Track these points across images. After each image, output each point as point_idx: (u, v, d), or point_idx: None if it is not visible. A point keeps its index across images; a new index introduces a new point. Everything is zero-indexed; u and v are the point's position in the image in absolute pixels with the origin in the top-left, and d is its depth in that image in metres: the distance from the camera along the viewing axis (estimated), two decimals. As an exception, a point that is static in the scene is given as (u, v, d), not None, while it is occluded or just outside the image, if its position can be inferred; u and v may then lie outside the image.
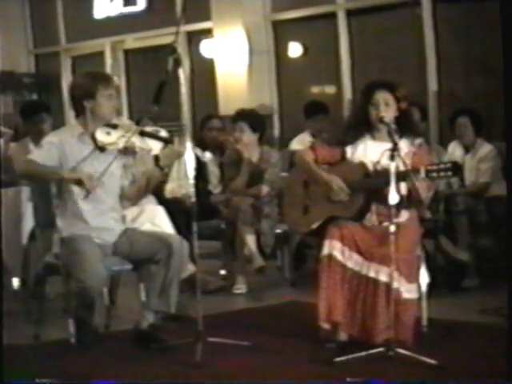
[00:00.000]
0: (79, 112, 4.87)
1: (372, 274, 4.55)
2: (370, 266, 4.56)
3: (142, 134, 4.86)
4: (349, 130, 4.90)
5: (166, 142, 4.86)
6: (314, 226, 4.81)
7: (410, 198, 4.66)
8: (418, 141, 4.81)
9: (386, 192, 4.43)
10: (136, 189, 5.01)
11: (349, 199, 4.73)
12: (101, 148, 4.77)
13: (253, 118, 6.62)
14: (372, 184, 4.71)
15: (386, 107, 4.71)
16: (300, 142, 7.38)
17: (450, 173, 4.46)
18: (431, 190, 4.83)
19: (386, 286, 4.48)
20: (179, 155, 4.75)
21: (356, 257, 4.60)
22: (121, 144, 4.79)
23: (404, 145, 4.67)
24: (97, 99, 4.78)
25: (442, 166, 4.49)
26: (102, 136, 4.74)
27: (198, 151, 4.81)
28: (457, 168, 4.50)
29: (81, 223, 4.80)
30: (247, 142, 6.51)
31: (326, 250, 4.62)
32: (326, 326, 4.61)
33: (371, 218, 4.72)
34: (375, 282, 4.53)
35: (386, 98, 4.72)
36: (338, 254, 4.59)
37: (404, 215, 4.67)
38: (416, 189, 4.60)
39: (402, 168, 4.47)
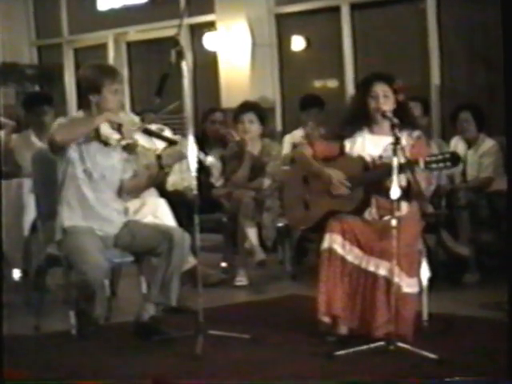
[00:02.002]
0: (84, 105, 4.87)
1: (372, 268, 4.55)
2: (370, 260, 4.56)
3: (146, 131, 4.86)
4: (347, 124, 4.89)
5: (170, 142, 4.87)
6: (315, 221, 4.82)
7: (410, 191, 4.66)
8: (416, 133, 4.81)
9: (386, 185, 4.42)
10: (137, 183, 5.01)
11: (349, 193, 4.72)
12: (104, 142, 4.78)
13: (260, 111, 6.65)
14: (371, 177, 4.70)
15: (385, 99, 4.70)
16: (293, 138, 7.39)
17: (449, 163, 4.45)
18: (430, 182, 4.82)
19: (386, 279, 4.48)
20: (182, 156, 4.76)
21: (356, 251, 4.60)
22: (124, 140, 4.80)
23: (402, 137, 4.65)
24: (102, 93, 4.76)
25: (441, 156, 4.48)
26: (106, 130, 4.75)
27: (201, 155, 4.81)
28: (456, 158, 4.49)
29: (84, 210, 4.79)
30: (255, 133, 6.52)
31: (326, 244, 4.62)
32: (325, 319, 4.61)
33: (371, 212, 4.72)
34: (375, 275, 4.53)
35: (384, 90, 4.71)
36: (338, 248, 4.59)
37: (404, 208, 4.66)
38: (416, 181, 4.60)
39: (402, 161, 4.46)
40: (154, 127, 4.92)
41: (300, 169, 5.01)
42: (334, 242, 4.60)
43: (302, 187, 4.94)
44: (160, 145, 5.09)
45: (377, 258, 4.54)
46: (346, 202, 4.72)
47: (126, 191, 5.03)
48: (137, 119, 5.05)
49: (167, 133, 4.90)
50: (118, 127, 4.68)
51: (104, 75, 4.78)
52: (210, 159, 5.00)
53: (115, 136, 4.76)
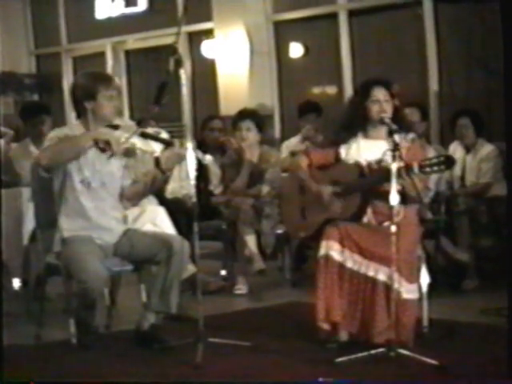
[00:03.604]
0: (80, 113, 4.87)
1: (371, 273, 4.55)
2: (370, 265, 4.56)
3: (143, 135, 4.86)
4: (342, 129, 4.89)
5: (167, 144, 4.87)
6: (314, 229, 4.81)
7: (405, 195, 4.65)
8: (411, 135, 4.82)
9: (383, 190, 4.42)
10: (137, 189, 5.01)
11: (346, 200, 4.72)
12: (102, 149, 4.77)
13: (257, 118, 6.66)
14: (368, 183, 4.70)
15: (386, 103, 4.71)
16: (291, 144, 7.39)
17: (443, 166, 4.45)
18: (426, 185, 4.82)
19: (385, 285, 4.48)
20: (181, 158, 4.75)
21: (355, 256, 4.59)
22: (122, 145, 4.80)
23: (398, 140, 4.64)
24: (97, 100, 4.76)
25: (436, 160, 4.48)
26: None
27: (199, 153, 4.82)
28: (450, 162, 4.47)
29: (83, 221, 4.79)
30: (252, 140, 6.53)
31: (322, 251, 4.61)
32: (324, 326, 4.60)
33: (369, 217, 4.72)
34: (374, 281, 4.53)
35: (384, 95, 4.73)
36: (335, 254, 4.58)
37: (399, 213, 4.64)
38: (413, 184, 4.59)
39: (399, 166, 4.46)
40: (150, 130, 4.92)
41: (296, 178, 5.01)
42: (330, 248, 4.60)
43: (298, 196, 4.94)
44: (158, 148, 5.07)
45: (376, 263, 4.54)
46: (344, 209, 4.72)
47: (127, 198, 5.02)
48: (133, 124, 5.05)
49: (164, 135, 4.89)
50: (107, 144, 4.65)
51: (98, 82, 4.78)
52: (208, 158, 5.01)
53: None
